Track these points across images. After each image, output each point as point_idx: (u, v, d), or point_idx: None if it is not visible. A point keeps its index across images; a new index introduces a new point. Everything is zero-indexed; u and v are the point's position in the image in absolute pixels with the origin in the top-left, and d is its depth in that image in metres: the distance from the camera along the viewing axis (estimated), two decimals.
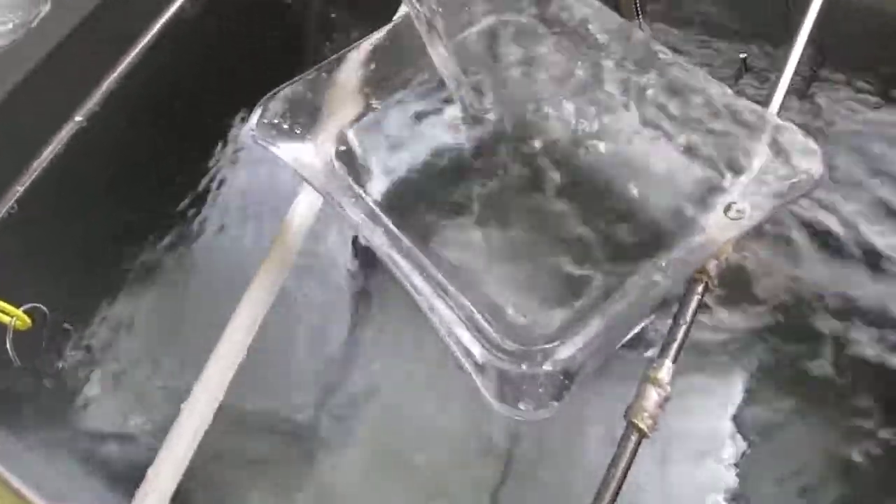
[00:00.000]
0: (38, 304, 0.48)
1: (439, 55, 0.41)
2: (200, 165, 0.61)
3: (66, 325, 0.53)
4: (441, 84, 0.44)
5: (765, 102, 0.41)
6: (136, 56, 0.52)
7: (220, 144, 0.62)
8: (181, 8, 0.54)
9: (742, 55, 0.57)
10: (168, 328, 0.55)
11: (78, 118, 0.49)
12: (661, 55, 0.42)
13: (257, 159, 0.60)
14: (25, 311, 0.46)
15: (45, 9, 0.50)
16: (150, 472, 0.36)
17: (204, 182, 0.61)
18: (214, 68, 0.60)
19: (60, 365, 0.53)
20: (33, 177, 0.48)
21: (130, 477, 0.40)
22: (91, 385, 0.54)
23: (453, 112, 0.43)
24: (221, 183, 0.61)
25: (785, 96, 0.43)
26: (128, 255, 0.57)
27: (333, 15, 0.66)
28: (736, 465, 0.46)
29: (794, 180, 0.36)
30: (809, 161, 0.37)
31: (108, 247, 0.56)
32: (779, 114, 0.41)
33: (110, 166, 0.54)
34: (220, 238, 0.58)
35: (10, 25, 0.50)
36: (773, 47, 0.59)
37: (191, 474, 0.40)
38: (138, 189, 0.56)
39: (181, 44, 0.55)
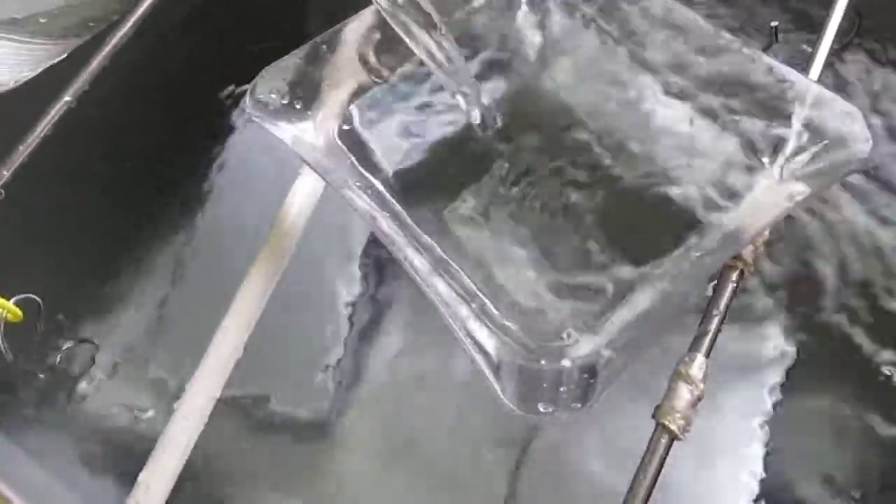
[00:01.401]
0: (30, 295, 0.46)
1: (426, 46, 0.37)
2: (197, 146, 0.59)
3: (61, 317, 0.51)
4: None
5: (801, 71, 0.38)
6: (126, 32, 0.49)
7: (218, 123, 0.59)
8: None
9: (773, 24, 0.54)
10: (167, 318, 0.53)
11: (67, 98, 0.47)
12: (685, 21, 0.39)
13: (257, 139, 0.58)
14: (16, 303, 0.44)
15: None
16: (142, 477, 0.34)
17: (201, 164, 0.58)
18: (211, 43, 0.57)
19: (55, 358, 0.51)
20: (20, 160, 0.45)
21: (130, 473, 0.39)
22: (88, 378, 0.52)
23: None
24: (220, 165, 0.58)
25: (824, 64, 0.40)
26: (123, 242, 0.55)
27: None
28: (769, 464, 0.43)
29: (839, 157, 0.33)
30: (855, 135, 0.33)
31: (103, 233, 0.54)
32: (819, 82, 0.37)
33: (103, 148, 0.51)
34: (220, 223, 0.56)
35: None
36: (806, 15, 0.55)
37: (186, 473, 0.38)
38: (132, 172, 0.54)
39: (176, 18, 0.52)
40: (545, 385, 0.30)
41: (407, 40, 0.36)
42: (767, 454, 0.44)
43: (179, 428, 0.34)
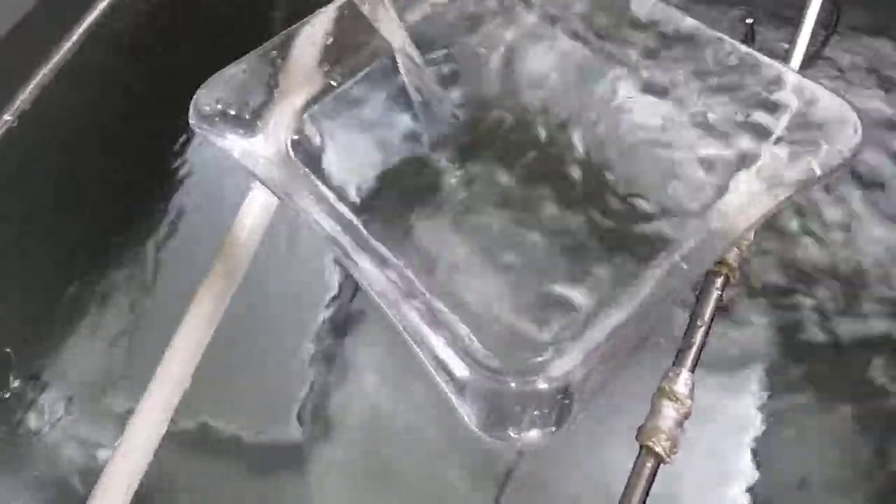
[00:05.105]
0: None
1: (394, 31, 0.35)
2: (149, 168, 0.56)
3: (7, 350, 0.48)
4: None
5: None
6: (72, 46, 0.47)
7: (169, 143, 0.57)
8: None
9: (749, 20, 0.52)
10: (120, 348, 0.50)
11: (7, 118, 0.44)
12: (663, 16, 0.37)
13: (214, 154, 0.55)
14: None
15: None
16: None
17: (155, 186, 0.56)
18: (165, 58, 0.54)
19: (3, 394, 0.48)
20: None
21: None
22: (38, 414, 0.49)
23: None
24: (175, 186, 0.56)
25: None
26: (72, 271, 0.52)
27: None
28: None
29: (827, 151, 0.31)
30: (843, 128, 0.31)
31: (50, 262, 0.51)
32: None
33: (49, 170, 0.48)
34: (173, 250, 0.53)
35: None
36: (782, 13, 0.54)
37: None
38: (82, 195, 0.51)
39: (125, 31, 0.50)
40: (516, 409, 0.27)
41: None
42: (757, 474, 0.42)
43: (120, 468, 0.31)
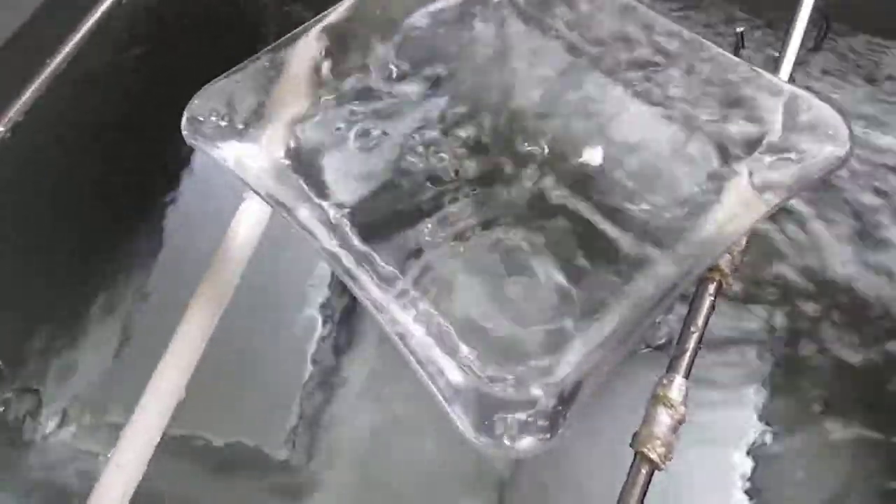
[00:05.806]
0: None
1: None
2: (144, 180, 0.56)
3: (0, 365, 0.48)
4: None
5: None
6: (65, 57, 0.47)
7: (162, 156, 0.57)
8: (115, 5, 0.48)
9: (738, 29, 0.52)
10: (114, 359, 0.50)
11: None
12: (652, 23, 0.37)
13: (204, 169, 0.55)
14: None
15: None
16: None
17: (150, 198, 0.56)
18: (158, 71, 0.54)
19: None
20: None
21: None
22: (34, 428, 0.49)
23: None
24: (171, 198, 0.56)
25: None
26: (64, 283, 0.52)
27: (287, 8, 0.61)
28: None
29: (816, 157, 0.31)
30: (833, 134, 0.31)
31: (43, 275, 0.51)
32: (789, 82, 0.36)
33: (43, 181, 0.48)
34: (168, 259, 0.53)
35: None
36: (772, 21, 0.54)
37: None
38: (75, 207, 0.51)
39: (118, 44, 0.50)
40: (510, 416, 0.27)
41: None
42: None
43: (113, 479, 0.31)
